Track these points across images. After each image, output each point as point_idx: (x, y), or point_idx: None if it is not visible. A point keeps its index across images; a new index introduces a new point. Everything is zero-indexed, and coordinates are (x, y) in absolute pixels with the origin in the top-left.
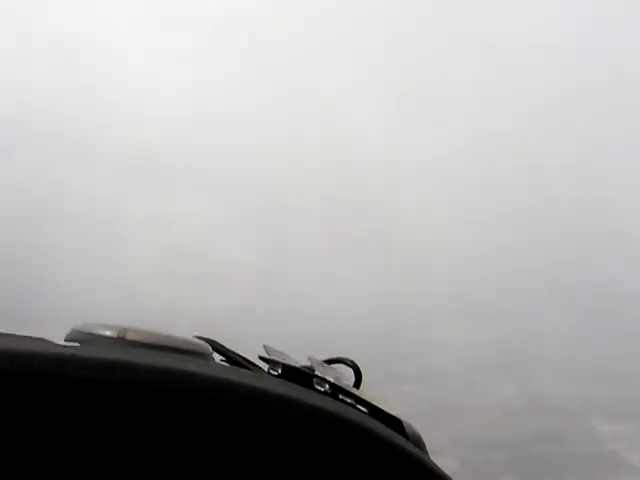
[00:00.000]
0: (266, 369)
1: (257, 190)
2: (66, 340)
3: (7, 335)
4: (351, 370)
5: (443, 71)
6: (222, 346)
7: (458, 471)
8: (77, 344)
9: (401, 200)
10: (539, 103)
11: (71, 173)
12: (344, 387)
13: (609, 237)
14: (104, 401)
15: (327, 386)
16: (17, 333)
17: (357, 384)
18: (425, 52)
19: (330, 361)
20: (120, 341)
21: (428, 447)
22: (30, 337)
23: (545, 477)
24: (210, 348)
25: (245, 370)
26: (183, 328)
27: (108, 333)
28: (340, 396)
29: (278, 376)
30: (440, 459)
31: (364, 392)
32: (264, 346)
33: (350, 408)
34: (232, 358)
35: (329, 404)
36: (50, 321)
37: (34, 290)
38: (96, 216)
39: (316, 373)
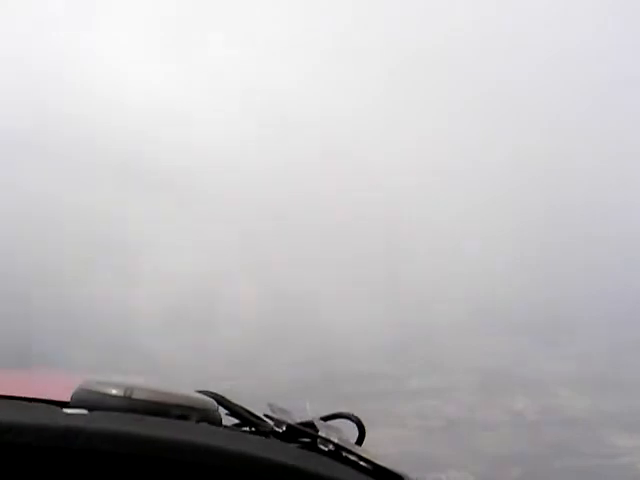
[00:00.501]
0: (271, 425)
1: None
2: (73, 397)
3: (13, 401)
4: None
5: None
6: (227, 400)
7: None
8: (84, 412)
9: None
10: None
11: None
12: (347, 447)
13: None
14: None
15: (331, 446)
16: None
17: (361, 438)
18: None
19: (334, 416)
20: (126, 400)
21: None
22: (37, 404)
23: None
24: (215, 403)
25: (246, 436)
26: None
27: (114, 392)
28: (344, 454)
29: (282, 434)
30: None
31: (366, 450)
32: (269, 404)
33: (354, 471)
34: (237, 412)
35: (333, 471)
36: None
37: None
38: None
39: (320, 434)
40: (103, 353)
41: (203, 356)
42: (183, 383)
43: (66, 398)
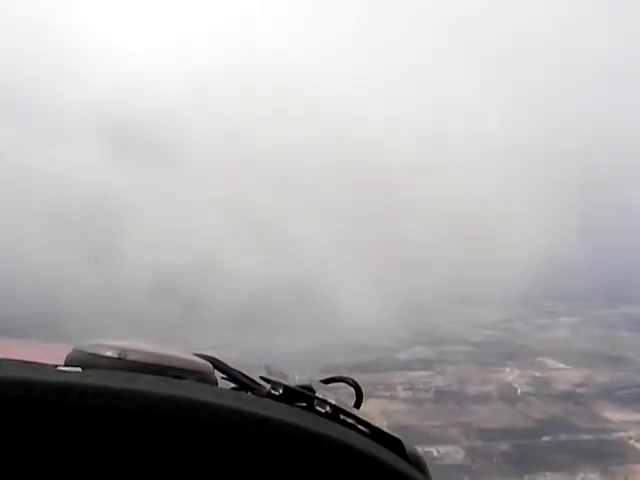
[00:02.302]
0: (268, 388)
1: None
2: (67, 359)
3: (12, 362)
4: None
5: None
6: (224, 364)
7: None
8: (79, 369)
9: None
10: None
11: None
12: (345, 409)
13: None
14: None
15: (328, 408)
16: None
17: (358, 402)
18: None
19: (331, 379)
20: (121, 362)
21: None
22: (34, 363)
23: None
24: (211, 366)
25: (244, 394)
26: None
27: (109, 353)
28: (341, 417)
29: (279, 397)
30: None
31: (364, 412)
32: (265, 366)
33: (352, 432)
34: (233, 376)
35: (331, 430)
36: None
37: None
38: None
39: (317, 395)
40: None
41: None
42: (180, 347)
43: (61, 362)
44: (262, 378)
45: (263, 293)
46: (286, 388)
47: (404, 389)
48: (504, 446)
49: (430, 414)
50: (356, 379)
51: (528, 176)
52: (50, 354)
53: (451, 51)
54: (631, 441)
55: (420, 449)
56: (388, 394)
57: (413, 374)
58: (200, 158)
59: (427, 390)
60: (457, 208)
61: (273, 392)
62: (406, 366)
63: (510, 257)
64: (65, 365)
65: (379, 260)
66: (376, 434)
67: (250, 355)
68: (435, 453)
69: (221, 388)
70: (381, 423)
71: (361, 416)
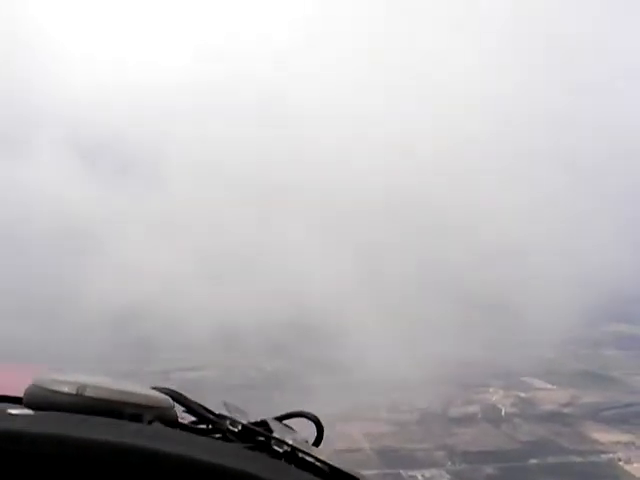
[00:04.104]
0: (227, 424)
1: None
2: (25, 394)
3: None
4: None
5: None
6: (183, 397)
7: None
8: (30, 412)
9: None
10: None
11: None
12: (303, 449)
13: None
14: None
15: (286, 447)
16: None
17: (319, 438)
18: None
19: (291, 415)
20: (79, 398)
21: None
22: None
23: None
24: (170, 400)
25: (193, 437)
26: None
27: (67, 389)
28: (300, 455)
29: (237, 434)
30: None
31: (322, 451)
32: (224, 402)
33: (307, 475)
34: (193, 409)
35: (278, 473)
36: None
37: None
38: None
39: (274, 434)
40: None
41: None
42: (141, 380)
43: (21, 393)
44: (220, 415)
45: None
46: (244, 427)
47: None
48: None
49: None
50: None
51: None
52: (12, 379)
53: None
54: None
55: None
56: None
57: None
58: (177, 175)
59: None
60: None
61: (231, 428)
62: None
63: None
64: (23, 399)
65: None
66: (335, 473)
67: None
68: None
69: (175, 431)
70: (339, 461)
71: (319, 455)
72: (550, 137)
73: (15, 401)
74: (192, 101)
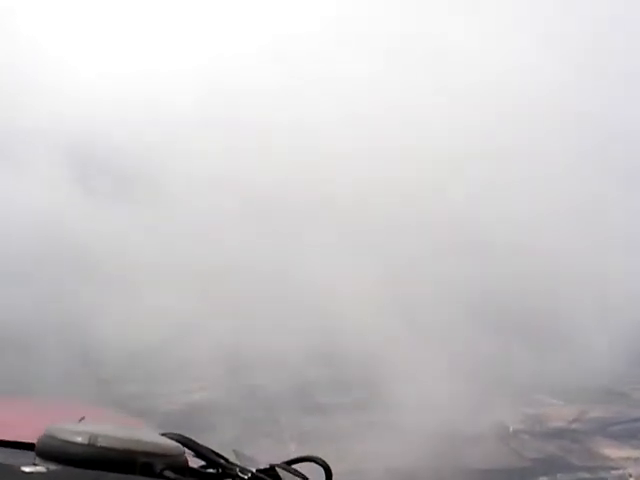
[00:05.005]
0: (237, 470)
1: None
2: (38, 443)
3: None
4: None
5: None
6: (193, 442)
7: None
8: (43, 469)
9: None
10: None
11: None
12: None
13: None
14: None
15: None
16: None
17: None
18: None
19: (300, 459)
20: (91, 448)
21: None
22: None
23: None
24: (181, 447)
25: None
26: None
27: (79, 440)
28: None
29: None
30: None
31: None
32: (234, 450)
33: None
34: (203, 454)
35: None
36: None
37: None
38: None
39: None
40: None
41: None
42: (150, 425)
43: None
44: (231, 463)
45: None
46: (253, 474)
47: None
48: None
49: None
50: None
51: None
52: (30, 417)
53: None
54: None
55: None
56: None
57: None
58: (178, 194)
59: None
60: None
61: (241, 475)
62: None
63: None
64: (36, 449)
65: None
66: None
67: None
68: None
69: None
70: None
71: None
72: (594, 142)
73: (27, 447)
74: (205, 110)
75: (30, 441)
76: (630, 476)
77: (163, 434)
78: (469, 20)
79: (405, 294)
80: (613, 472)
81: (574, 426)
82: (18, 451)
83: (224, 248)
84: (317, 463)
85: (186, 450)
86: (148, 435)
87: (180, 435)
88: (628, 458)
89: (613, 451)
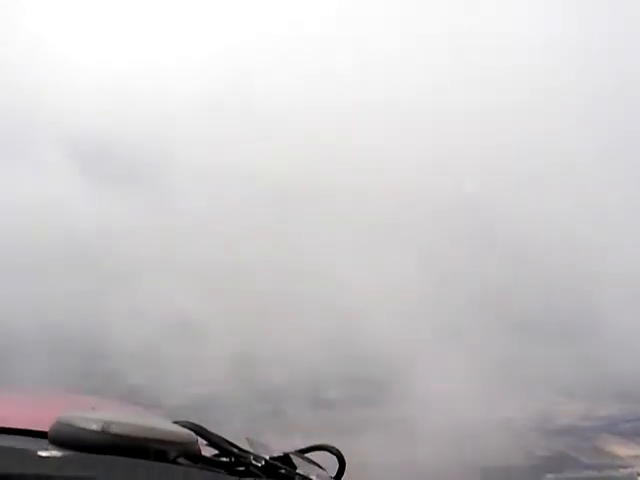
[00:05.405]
0: (250, 458)
1: None
2: (51, 431)
3: None
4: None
5: None
6: (206, 431)
7: None
8: (58, 454)
9: None
10: None
11: None
12: None
13: None
14: None
15: None
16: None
17: (340, 472)
18: None
19: (313, 448)
20: (104, 435)
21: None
22: (10, 448)
23: None
24: (194, 435)
25: (218, 477)
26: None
27: (94, 427)
28: None
29: (261, 468)
30: None
31: None
32: (247, 438)
33: None
34: (216, 443)
35: None
36: None
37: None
38: None
39: (298, 471)
40: None
41: None
42: (163, 414)
43: (49, 423)
44: (244, 451)
45: None
46: (267, 462)
47: None
48: None
49: None
50: None
51: None
52: (41, 409)
53: None
54: None
55: None
56: None
57: None
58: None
59: None
60: None
61: (255, 463)
62: None
63: None
64: (49, 436)
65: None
66: None
67: None
68: None
69: (202, 472)
70: None
71: None
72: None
73: (39, 435)
74: (217, 100)
75: (42, 430)
76: (638, 474)
77: (175, 422)
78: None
79: (425, 291)
80: (621, 470)
81: (582, 423)
82: (30, 439)
83: (235, 242)
84: (331, 452)
85: (199, 439)
86: (161, 423)
87: (193, 423)
88: (636, 456)
89: (621, 449)
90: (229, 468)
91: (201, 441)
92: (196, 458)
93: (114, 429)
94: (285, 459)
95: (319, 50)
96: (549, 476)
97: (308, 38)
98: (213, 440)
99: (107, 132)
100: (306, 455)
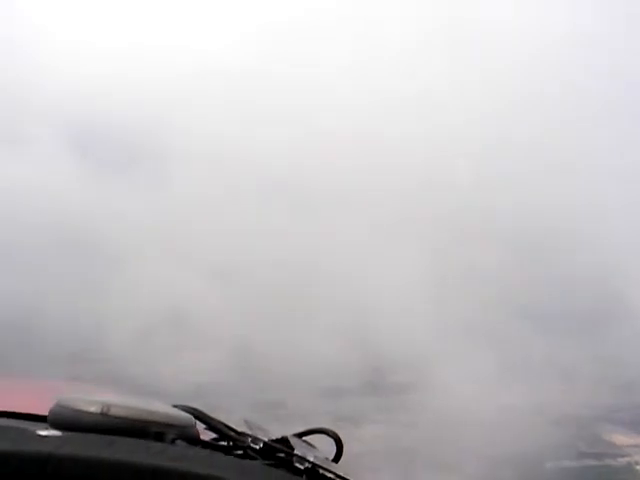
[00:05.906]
0: (248, 441)
1: None
2: (50, 413)
3: None
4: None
5: None
6: (205, 415)
7: None
8: (58, 433)
9: None
10: None
11: None
12: (323, 465)
13: None
14: None
15: (307, 464)
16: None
17: (338, 454)
18: None
19: (311, 431)
20: (104, 417)
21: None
22: (9, 427)
23: None
24: (192, 419)
25: (215, 456)
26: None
27: (92, 409)
28: (320, 472)
29: (258, 451)
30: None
31: (342, 466)
32: (245, 420)
33: None
34: (215, 427)
35: None
36: None
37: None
38: None
39: (296, 452)
40: None
41: None
42: (162, 397)
43: (46, 410)
44: (242, 433)
45: None
46: (265, 444)
47: None
48: None
49: None
50: None
51: None
52: (38, 397)
53: None
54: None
55: None
56: None
57: None
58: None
59: None
60: None
61: (253, 446)
62: None
63: None
64: (48, 418)
65: None
66: None
67: None
68: None
69: (199, 450)
70: (360, 478)
71: (339, 472)
72: None
73: (39, 419)
74: (223, 87)
75: (41, 414)
76: (637, 463)
77: (175, 406)
78: None
79: (445, 289)
80: (620, 459)
81: (582, 412)
82: (30, 422)
83: (248, 235)
84: (328, 435)
85: (197, 422)
86: (160, 406)
87: (192, 407)
88: (635, 445)
89: (620, 438)
90: (227, 451)
91: (201, 425)
92: (194, 441)
93: (113, 411)
94: (283, 442)
95: (337, 42)
96: (548, 464)
97: (322, 31)
98: (211, 424)
99: (107, 116)
100: (304, 438)
